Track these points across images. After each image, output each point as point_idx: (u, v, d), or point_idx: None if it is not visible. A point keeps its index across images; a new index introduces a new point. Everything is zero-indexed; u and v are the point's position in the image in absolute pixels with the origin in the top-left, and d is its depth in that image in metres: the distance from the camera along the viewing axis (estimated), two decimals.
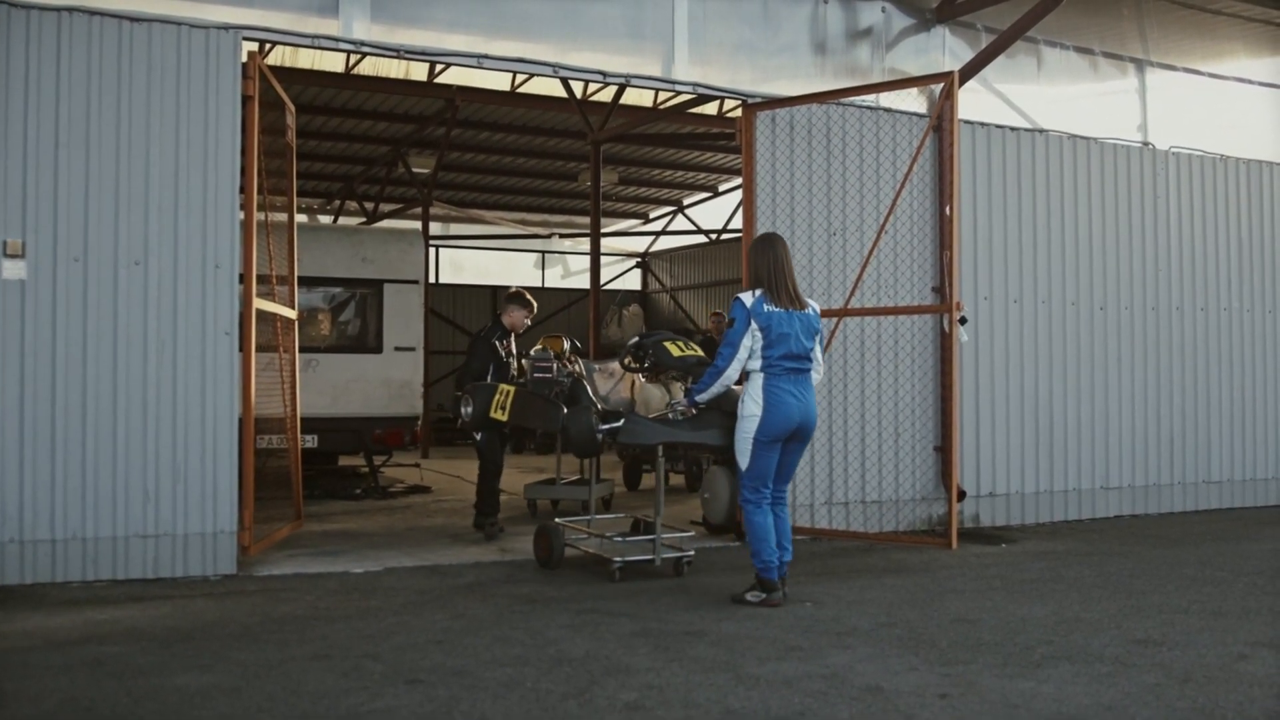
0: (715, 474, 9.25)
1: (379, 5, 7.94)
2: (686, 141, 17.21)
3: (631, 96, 14.54)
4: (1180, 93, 11.75)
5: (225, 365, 7.22)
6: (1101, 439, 10.08)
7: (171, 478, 7.06)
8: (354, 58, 13.09)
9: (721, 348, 6.36)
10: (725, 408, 6.60)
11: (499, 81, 14.17)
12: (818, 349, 6.46)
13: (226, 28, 7.30)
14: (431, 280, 20.28)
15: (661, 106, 14.91)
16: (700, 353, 7.28)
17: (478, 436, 8.92)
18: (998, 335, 9.63)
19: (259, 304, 7.65)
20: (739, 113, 8.98)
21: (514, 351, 9.22)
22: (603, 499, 10.43)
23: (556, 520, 7.94)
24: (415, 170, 17.95)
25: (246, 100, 7.32)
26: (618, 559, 7.05)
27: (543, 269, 24.71)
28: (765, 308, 6.25)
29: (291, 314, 8.75)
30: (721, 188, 21.42)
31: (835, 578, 7.20)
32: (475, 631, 5.67)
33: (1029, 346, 9.78)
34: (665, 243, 23.95)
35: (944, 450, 8.95)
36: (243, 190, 7.39)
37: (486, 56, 8.26)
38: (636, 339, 7.48)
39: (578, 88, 14.45)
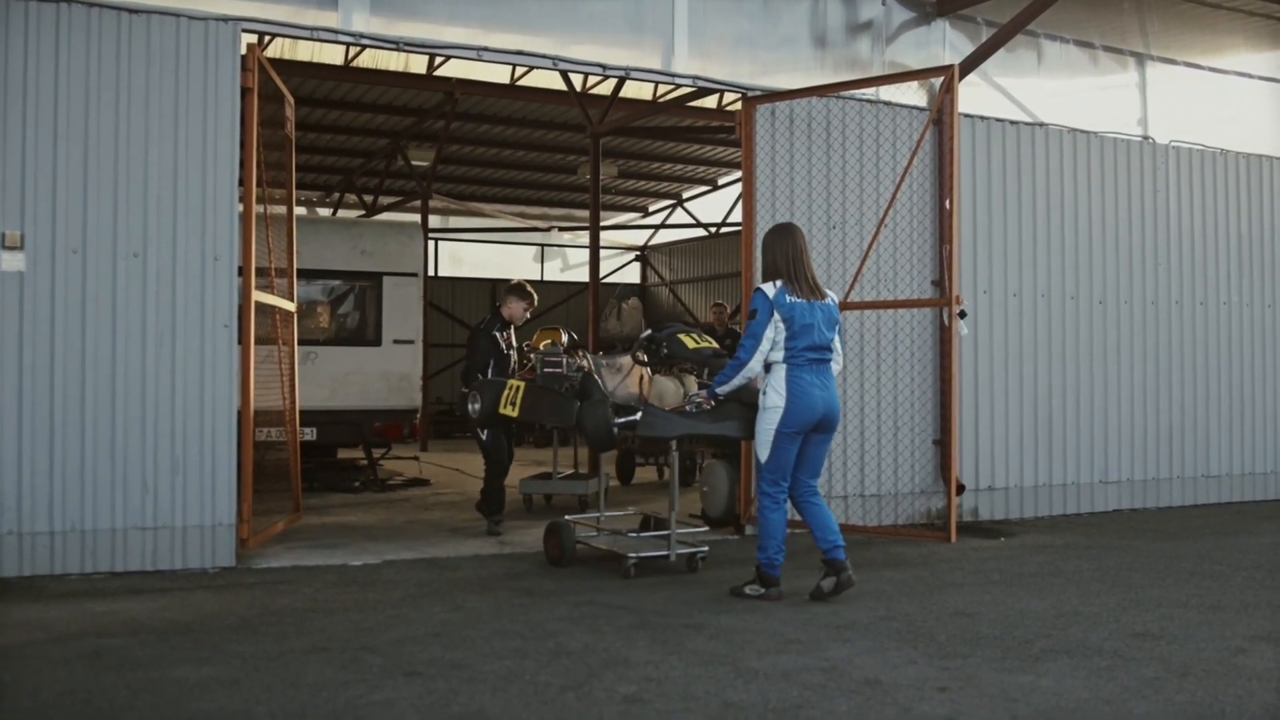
0: (714, 467, 9.25)
1: None
2: (686, 135, 17.21)
3: (631, 90, 14.51)
4: (1180, 87, 11.75)
5: (224, 358, 7.21)
6: (1100, 433, 10.08)
7: (170, 470, 7.05)
8: (353, 50, 13.07)
9: (744, 339, 6.32)
10: (744, 399, 6.58)
11: (498, 74, 14.15)
12: (838, 339, 6.43)
13: (226, 19, 7.28)
14: (431, 273, 20.32)
15: (661, 100, 14.90)
16: (715, 344, 7.22)
17: (483, 435, 8.88)
18: (997, 329, 9.62)
19: (258, 296, 7.65)
20: (739, 106, 8.97)
21: (513, 343, 9.21)
22: (597, 494, 10.40)
23: (566, 518, 7.86)
24: (414, 163, 17.95)
25: (245, 92, 7.31)
26: (632, 555, 6.98)
27: (542, 262, 24.71)
28: (788, 299, 6.22)
29: (290, 307, 8.75)
30: (721, 181, 21.41)
31: None
32: (474, 624, 5.67)
33: (1028, 340, 9.78)
34: (664, 236, 23.95)
35: (943, 444, 8.95)
36: (242, 182, 7.39)
37: (486, 49, 8.24)
38: (649, 332, 7.32)
39: (577, 81, 14.43)
